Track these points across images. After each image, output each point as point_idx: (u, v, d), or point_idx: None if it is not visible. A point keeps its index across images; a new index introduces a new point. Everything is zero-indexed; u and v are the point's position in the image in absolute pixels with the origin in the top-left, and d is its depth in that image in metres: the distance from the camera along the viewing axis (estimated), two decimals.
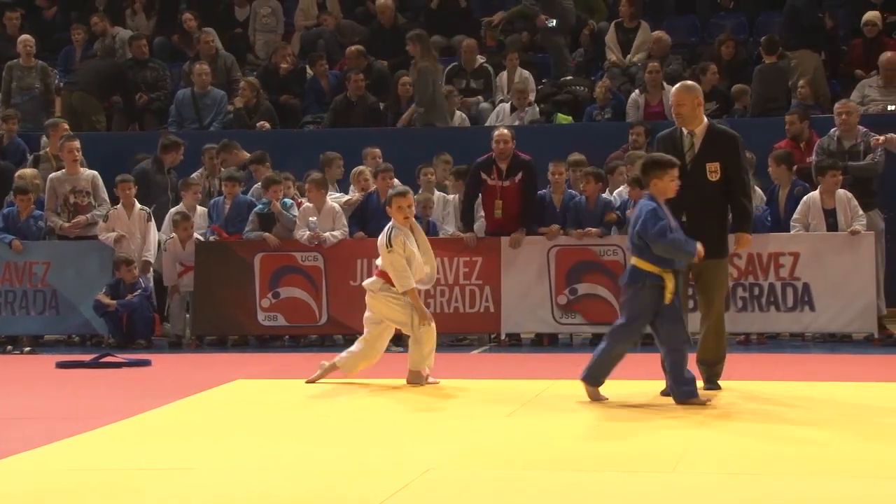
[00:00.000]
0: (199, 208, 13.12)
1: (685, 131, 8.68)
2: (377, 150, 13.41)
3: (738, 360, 9.69)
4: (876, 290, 11.72)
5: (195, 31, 16.70)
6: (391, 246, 9.01)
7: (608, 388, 8.40)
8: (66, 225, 13.09)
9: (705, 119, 8.77)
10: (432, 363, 9.32)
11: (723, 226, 8.71)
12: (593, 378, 8.29)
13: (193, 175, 13.67)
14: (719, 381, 8.71)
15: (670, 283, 7.97)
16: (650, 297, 8.03)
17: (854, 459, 6.54)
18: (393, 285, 9.10)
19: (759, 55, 14.96)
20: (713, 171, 8.56)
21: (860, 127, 12.37)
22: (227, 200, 12.99)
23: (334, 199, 12.80)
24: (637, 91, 14.65)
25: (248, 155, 13.77)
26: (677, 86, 9.06)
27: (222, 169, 13.61)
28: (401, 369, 9.35)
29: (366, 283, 9.42)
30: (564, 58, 15.74)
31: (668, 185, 8.05)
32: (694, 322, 8.94)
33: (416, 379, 9.23)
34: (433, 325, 9.19)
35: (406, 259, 9.08)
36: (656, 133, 13.69)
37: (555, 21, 15.52)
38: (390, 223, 9.21)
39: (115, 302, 12.48)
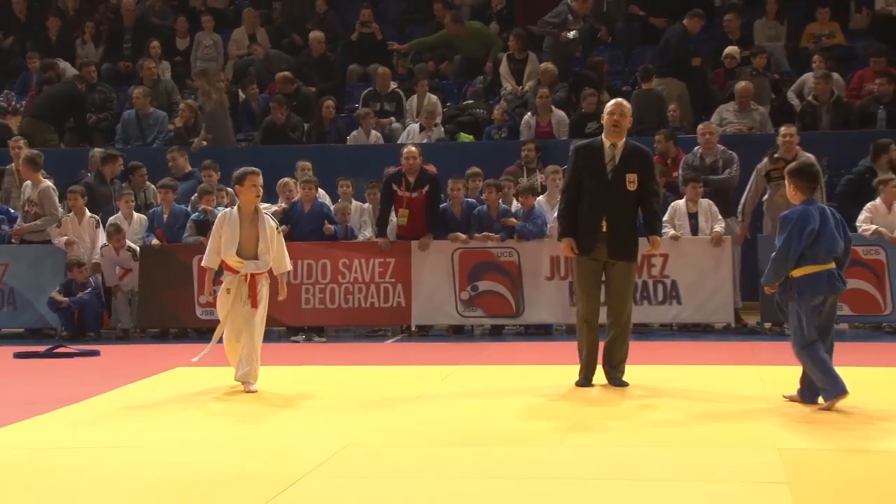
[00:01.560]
0: (137, 215, 13.00)
1: (607, 143, 8.34)
2: (308, 164, 13.36)
3: None
4: (733, 286, 11.91)
5: (157, 59, 16.47)
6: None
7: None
8: (12, 229, 12.95)
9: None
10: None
11: (635, 230, 8.44)
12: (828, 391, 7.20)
13: (123, 184, 13.55)
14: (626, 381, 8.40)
15: None
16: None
17: (712, 432, 6.65)
18: (232, 272, 8.30)
19: (635, 81, 15.14)
20: (631, 181, 8.28)
21: (719, 146, 12.58)
22: (165, 210, 12.86)
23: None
24: (529, 113, 14.75)
25: (190, 167, 13.68)
26: (619, 100, 8.62)
27: (148, 184, 13.53)
28: (324, 356, 9.30)
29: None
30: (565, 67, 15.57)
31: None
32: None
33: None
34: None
35: (223, 241, 8.25)
36: (546, 150, 13.99)
37: (573, 33, 15.39)
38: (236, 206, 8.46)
39: (67, 299, 12.29)
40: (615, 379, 8.33)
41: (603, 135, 8.45)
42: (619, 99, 8.73)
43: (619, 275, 8.34)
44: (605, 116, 8.48)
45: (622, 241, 8.27)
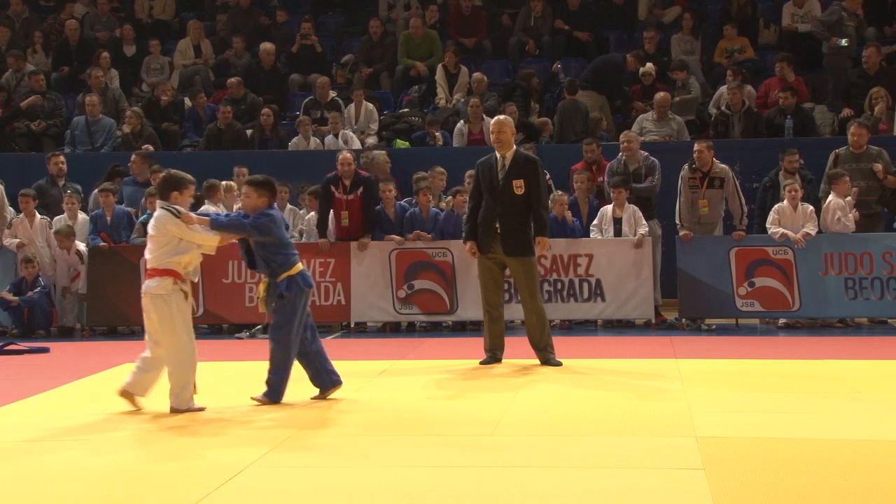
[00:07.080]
0: (82, 216, 12.79)
1: (499, 156, 8.98)
2: (245, 170, 13.20)
3: None
4: (653, 284, 12.01)
5: (105, 68, 16.21)
6: (180, 215, 7.09)
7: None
8: None
9: (514, 146, 9.08)
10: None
11: (526, 230, 8.98)
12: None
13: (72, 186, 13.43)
14: (560, 360, 8.95)
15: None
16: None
17: (632, 421, 6.70)
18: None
19: (560, 93, 15.20)
20: (518, 186, 8.89)
21: (642, 152, 12.66)
22: (107, 213, 12.65)
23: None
24: (462, 122, 14.75)
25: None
26: (499, 117, 9.32)
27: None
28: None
29: (148, 285, 7.16)
30: (845, 79, 14.82)
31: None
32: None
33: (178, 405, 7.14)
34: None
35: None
36: (479, 155, 13.93)
37: (844, 41, 14.84)
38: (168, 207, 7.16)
39: (17, 298, 12.12)
40: (547, 359, 8.90)
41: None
42: (499, 116, 9.45)
43: (518, 270, 9.00)
44: (491, 135, 9.23)
45: (515, 240, 8.89)
